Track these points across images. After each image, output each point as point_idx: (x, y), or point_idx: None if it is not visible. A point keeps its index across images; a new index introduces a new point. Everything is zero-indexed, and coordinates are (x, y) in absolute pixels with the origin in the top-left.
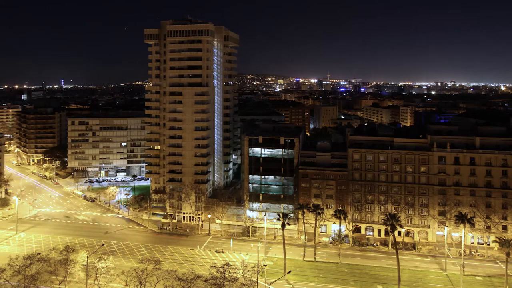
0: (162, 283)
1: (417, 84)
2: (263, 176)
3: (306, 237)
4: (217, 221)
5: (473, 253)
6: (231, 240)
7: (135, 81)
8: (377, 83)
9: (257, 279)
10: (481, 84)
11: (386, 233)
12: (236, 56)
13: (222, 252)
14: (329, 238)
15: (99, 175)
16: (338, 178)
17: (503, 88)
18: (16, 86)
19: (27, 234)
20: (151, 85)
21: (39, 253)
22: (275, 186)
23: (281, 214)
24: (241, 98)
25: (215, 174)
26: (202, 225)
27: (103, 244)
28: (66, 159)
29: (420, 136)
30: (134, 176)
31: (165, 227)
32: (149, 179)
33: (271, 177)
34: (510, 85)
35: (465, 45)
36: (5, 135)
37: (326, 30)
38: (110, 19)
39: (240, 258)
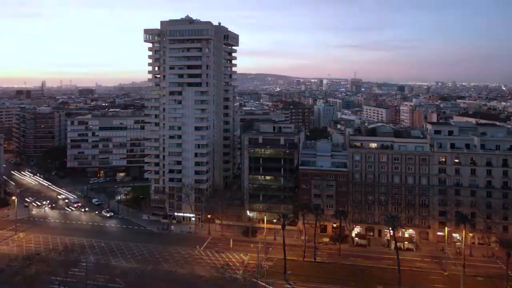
0: (161, 283)
1: (417, 84)
2: (263, 176)
3: (306, 237)
4: (217, 221)
5: (473, 253)
6: (231, 240)
7: (134, 80)
8: (378, 83)
9: (257, 280)
10: (482, 84)
11: (386, 233)
12: (236, 56)
13: (222, 252)
14: (329, 238)
15: (98, 175)
16: (338, 179)
17: (504, 88)
18: (15, 86)
19: (26, 234)
20: (150, 85)
21: (38, 254)
22: (275, 186)
23: (281, 215)
24: (241, 98)
25: (215, 174)
26: (202, 225)
27: (102, 245)
28: (65, 159)
29: (421, 136)
30: (133, 176)
31: (165, 228)
32: (149, 179)
33: (271, 177)
34: (511, 85)
35: (466, 45)
36: (4, 135)
37: (326, 29)
38: (109, 17)
39: (240, 259)
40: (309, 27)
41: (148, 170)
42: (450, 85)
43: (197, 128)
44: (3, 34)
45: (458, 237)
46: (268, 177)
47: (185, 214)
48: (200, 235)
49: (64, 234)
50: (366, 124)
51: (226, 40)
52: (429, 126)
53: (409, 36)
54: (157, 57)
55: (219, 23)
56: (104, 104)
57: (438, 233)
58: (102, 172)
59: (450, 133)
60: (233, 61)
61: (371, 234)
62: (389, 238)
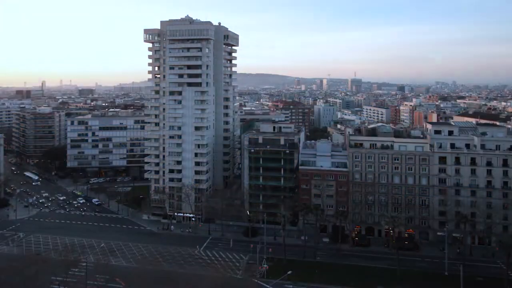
0: (162, 283)
1: (417, 83)
2: (263, 176)
3: (306, 237)
4: (217, 221)
5: (473, 253)
6: (231, 240)
7: (134, 80)
8: (378, 83)
9: (257, 280)
10: (483, 84)
11: (387, 233)
12: (236, 56)
13: (222, 252)
14: (328, 238)
15: (98, 175)
16: (338, 179)
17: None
18: (15, 86)
19: (26, 234)
20: (150, 85)
21: (38, 254)
22: (275, 186)
23: (281, 214)
24: (241, 98)
25: (215, 174)
26: (201, 225)
27: (102, 245)
28: (65, 159)
29: (421, 136)
30: (133, 176)
31: (165, 228)
32: (149, 179)
33: (271, 177)
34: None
35: (467, 44)
36: (4, 135)
37: (326, 29)
38: (109, 17)
39: (240, 259)
40: (309, 26)
41: (148, 170)
42: (451, 84)
43: (197, 128)
44: (3, 33)
45: (458, 237)
46: (268, 177)
47: (185, 214)
48: (200, 235)
49: (64, 234)
50: (366, 124)
51: (226, 40)
52: (429, 126)
53: (409, 36)
54: (157, 57)
55: (219, 23)
56: (104, 104)
57: (438, 233)
58: (102, 172)
59: (450, 133)
60: (233, 61)
61: (371, 234)
62: (389, 238)
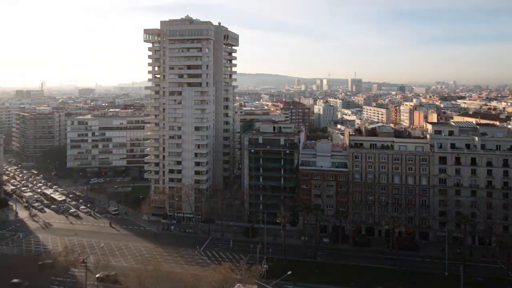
0: (162, 284)
1: (417, 83)
2: (263, 176)
3: (307, 237)
4: (217, 221)
5: (473, 253)
6: (231, 240)
7: (134, 80)
8: (378, 83)
9: (257, 280)
10: (483, 84)
11: (387, 233)
12: (236, 56)
13: (222, 252)
14: (328, 238)
15: (98, 175)
16: (339, 179)
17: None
18: (15, 86)
19: (26, 234)
20: (150, 85)
21: (38, 254)
22: (275, 186)
23: (281, 214)
24: (241, 98)
25: (215, 174)
26: (201, 225)
27: (102, 245)
28: (65, 160)
29: (421, 136)
30: (133, 176)
31: (165, 228)
32: (149, 179)
33: (271, 177)
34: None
35: (468, 44)
36: (4, 135)
37: (326, 29)
38: (109, 17)
39: (240, 259)
40: (309, 26)
41: (148, 170)
42: (451, 84)
43: (197, 128)
44: (3, 33)
45: (458, 237)
46: (268, 177)
47: (185, 214)
48: (200, 235)
49: (64, 234)
50: (366, 124)
51: (226, 40)
52: (429, 126)
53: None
54: (157, 57)
55: (219, 23)
56: (104, 104)
57: (438, 233)
58: (102, 172)
59: (451, 133)
60: (233, 61)
61: (371, 234)
62: (389, 238)
